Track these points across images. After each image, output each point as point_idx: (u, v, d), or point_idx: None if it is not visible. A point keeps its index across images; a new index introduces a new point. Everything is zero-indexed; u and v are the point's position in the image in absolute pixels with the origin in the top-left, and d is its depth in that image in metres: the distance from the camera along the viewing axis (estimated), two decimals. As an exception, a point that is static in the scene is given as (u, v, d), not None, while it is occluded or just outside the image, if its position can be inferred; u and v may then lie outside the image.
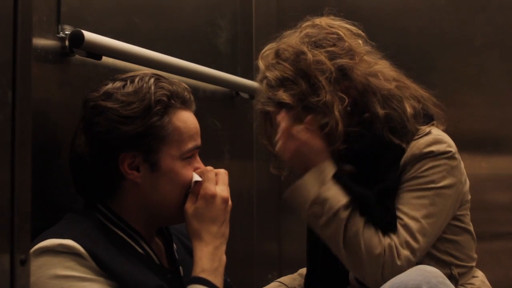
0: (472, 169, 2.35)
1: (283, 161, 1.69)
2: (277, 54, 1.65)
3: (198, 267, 1.31)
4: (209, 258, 1.32)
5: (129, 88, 1.31)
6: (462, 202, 1.64)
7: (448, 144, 1.60)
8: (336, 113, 1.56)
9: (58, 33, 1.42)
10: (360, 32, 1.69)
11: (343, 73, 1.61)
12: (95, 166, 1.31)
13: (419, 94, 1.69)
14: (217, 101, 2.25)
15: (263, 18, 2.63)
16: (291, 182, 1.60)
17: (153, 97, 1.30)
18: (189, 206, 1.35)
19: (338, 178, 1.55)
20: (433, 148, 1.57)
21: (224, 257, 1.34)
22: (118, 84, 1.32)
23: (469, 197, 1.68)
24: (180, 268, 1.41)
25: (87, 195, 1.36)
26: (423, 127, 1.62)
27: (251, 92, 2.39)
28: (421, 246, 1.51)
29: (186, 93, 1.36)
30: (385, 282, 1.43)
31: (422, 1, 2.59)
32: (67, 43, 1.42)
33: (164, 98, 1.31)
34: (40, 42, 1.36)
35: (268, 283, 1.83)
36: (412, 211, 1.53)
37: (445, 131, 1.67)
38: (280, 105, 1.60)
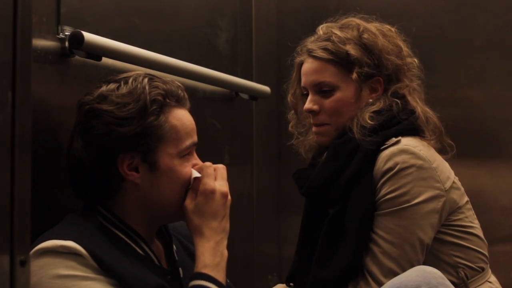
0: (472, 170, 2.36)
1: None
2: (343, 26, 1.71)
3: (200, 263, 1.31)
4: (211, 253, 1.31)
5: (124, 89, 1.31)
6: (452, 209, 1.58)
7: (415, 155, 1.52)
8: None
9: (58, 34, 1.42)
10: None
11: (396, 74, 1.69)
12: (94, 169, 1.30)
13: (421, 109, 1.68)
14: (217, 102, 2.25)
15: (263, 18, 2.63)
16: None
17: (148, 97, 1.30)
18: (189, 203, 1.35)
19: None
20: (396, 159, 1.51)
21: (225, 252, 1.34)
22: (112, 86, 1.32)
23: (464, 200, 1.63)
24: (180, 269, 1.41)
25: (87, 198, 1.36)
26: (394, 138, 1.55)
27: (251, 92, 2.39)
28: (385, 269, 1.51)
29: (180, 91, 1.37)
30: None
31: (422, 2, 2.59)
32: (67, 44, 1.42)
33: (159, 97, 1.31)
34: (40, 43, 1.36)
35: (268, 284, 1.82)
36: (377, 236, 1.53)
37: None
38: (342, 58, 1.64)
